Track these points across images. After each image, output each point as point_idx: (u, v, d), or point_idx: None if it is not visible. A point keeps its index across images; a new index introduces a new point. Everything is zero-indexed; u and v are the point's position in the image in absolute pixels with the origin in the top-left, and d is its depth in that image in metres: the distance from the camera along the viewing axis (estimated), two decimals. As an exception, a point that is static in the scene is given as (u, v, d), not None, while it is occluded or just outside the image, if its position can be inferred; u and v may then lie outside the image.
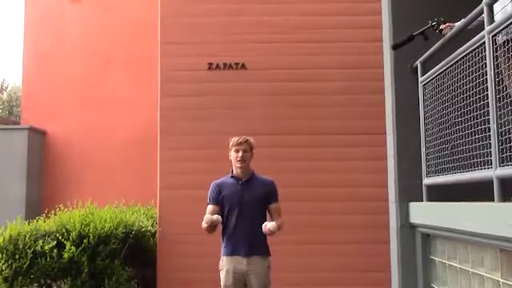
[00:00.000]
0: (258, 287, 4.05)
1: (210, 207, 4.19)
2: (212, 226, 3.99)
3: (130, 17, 11.59)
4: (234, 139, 4.21)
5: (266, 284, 4.12)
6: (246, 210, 4.07)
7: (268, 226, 3.95)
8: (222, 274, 4.13)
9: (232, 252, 4.12)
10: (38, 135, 11.32)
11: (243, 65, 6.91)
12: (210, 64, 6.90)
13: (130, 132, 11.09)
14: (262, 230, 4.08)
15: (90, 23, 11.81)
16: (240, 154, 4.13)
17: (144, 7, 11.19)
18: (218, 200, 4.14)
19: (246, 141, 4.19)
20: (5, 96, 22.76)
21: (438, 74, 3.66)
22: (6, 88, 23.50)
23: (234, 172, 4.23)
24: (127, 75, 11.40)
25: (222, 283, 4.13)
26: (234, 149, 4.18)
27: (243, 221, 4.07)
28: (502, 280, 2.81)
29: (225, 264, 4.12)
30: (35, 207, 10.15)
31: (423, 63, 3.99)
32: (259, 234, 4.09)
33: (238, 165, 4.16)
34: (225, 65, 6.91)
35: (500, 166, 2.70)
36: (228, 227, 4.15)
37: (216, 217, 3.99)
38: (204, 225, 4.01)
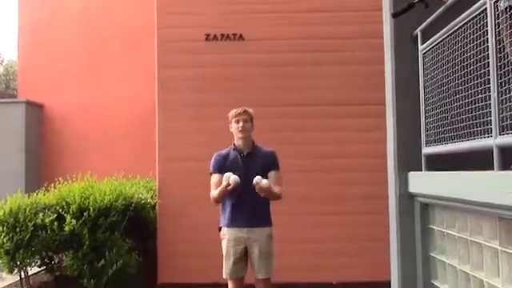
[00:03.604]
0: (260, 255, 4.09)
1: (215, 176, 4.21)
2: (225, 193, 4.03)
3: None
4: (233, 111, 4.27)
5: (268, 253, 4.16)
6: (248, 182, 4.05)
7: (260, 182, 3.91)
8: (224, 243, 4.20)
9: (232, 223, 4.16)
10: (35, 109, 11.29)
11: (241, 36, 6.84)
12: (208, 35, 6.82)
13: (129, 105, 11.05)
14: (263, 201, 4.13)
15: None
16: (241, 124, 4.20)
17: (141, -22, 11.00)
18: (223, 170, 4.13)
19: (245, 111, 4.26)
20: (1, 70, 22.61)
21: (439, 43, 3.61)
22: (2, 62, 23.33)
23: (236, 144, 4.27)
24: (125, 48, 11.29)
25: (224, 252, 4.18)
26: (234, 120, 4.23)
27: (245, 192, 4.08)
28: (500, 248, 2.83)
29: (226, 233, 4.17)
30: (34, 181, 10.17)
31: (423, 31, 3.93)
32: (260, 205, 4.14)
33: (240, 135, 4.21)
34: (222, 36, 6.83)
35: (500, 134, 2.68)
36: (229, 199, 4.17)
37: (232, 179, 3.95)
38: (214, 194, 4.10)
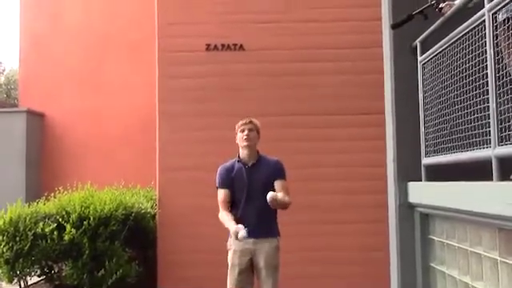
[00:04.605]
0: (266, 266, 4.06)
1: (222, 192, 4.17)
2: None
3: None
4: (240, 121, 4.26)
5: (275, 264, 4.10)
6: (253, 194, 4.06)
7: (272, 195, 3.80)
8: (230, 254, 4.15)
9: None
10: (36, 118, 11.30)
11: (241, 46, 6.86)
12: (208, 45, 6.85)
13: (130, 114, 11.06)
14: (269, 213, 4.07)
15: (88, 4, 11.70)
16: (246, 132, 4.16)
17: (142, -12, 11.05)
18: (228, 183, 4.13)
19: (251, 121, 4.25)
20: (2, 79, 22.66)
21: (438, 53, 3.63)
22: (3, 71, 23.38)
23: (241, 155, 4.23)
24: (126, 57, 11.32)
25: (229, 262, 4.15)
26: (239, 129, 4.22)
27: (251, 204, 4.07)
28: (499, 258, 2.83)
29: (233, 244, 4.13)
30: (35, 190, 10.16)
31: (422, 42, 3.95)
32: (266, 216, 4.08)
33: (244, 143, 4.16)
34: (223, 46, 6.86)
35: (499, 145, 2.69)
36: (236, 210, 4.14)
37: (241, 235, 3.80)
38: (221, 219, 4.06)
